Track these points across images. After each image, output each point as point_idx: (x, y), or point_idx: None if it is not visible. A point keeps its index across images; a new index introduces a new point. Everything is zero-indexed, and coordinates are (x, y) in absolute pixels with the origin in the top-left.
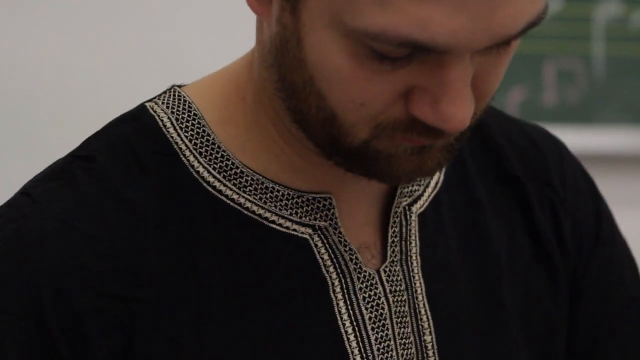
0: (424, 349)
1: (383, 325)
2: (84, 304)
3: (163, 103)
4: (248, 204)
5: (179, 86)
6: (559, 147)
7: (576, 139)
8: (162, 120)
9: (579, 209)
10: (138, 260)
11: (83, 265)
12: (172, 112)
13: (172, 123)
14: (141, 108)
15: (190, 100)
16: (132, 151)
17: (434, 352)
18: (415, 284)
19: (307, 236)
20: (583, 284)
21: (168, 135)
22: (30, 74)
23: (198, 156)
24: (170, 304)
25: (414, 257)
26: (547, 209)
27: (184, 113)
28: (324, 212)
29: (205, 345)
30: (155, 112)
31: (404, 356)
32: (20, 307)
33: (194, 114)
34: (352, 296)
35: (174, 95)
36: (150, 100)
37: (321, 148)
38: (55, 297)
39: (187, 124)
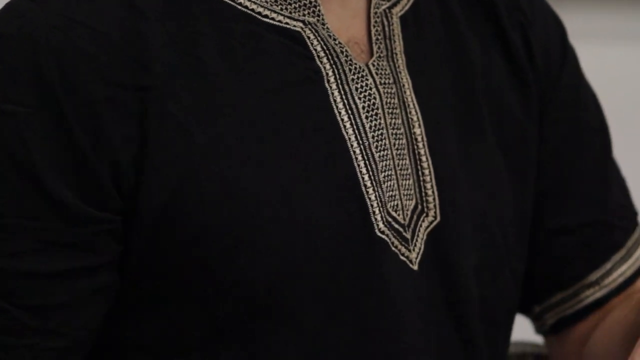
0: (414, 141)
1: (376, 114)
2: (95, 94)
3: None
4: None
5: None
6: None
7: None
8: None
9: (548, 39)
10: (143, 51)
11: (91, 56)
12: None
13: None
14: None
15: None
16: None
17: (423, 145)
18: (402, 79)
19: (299, 29)
20: (550, 107)
21: None
22: None
23: None
24: (177, 92)
25: (398, 55)
26: (518, 30)
27: None
28: (311, 9)
29: (211, 132)
30: None
31: (396, 146)
32: (36, 99)
33: None
34: (346, 86)
35: None
36: None
37: None
38: (67, 88)
39: None
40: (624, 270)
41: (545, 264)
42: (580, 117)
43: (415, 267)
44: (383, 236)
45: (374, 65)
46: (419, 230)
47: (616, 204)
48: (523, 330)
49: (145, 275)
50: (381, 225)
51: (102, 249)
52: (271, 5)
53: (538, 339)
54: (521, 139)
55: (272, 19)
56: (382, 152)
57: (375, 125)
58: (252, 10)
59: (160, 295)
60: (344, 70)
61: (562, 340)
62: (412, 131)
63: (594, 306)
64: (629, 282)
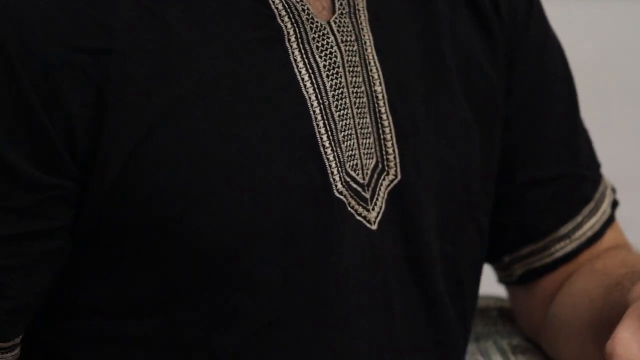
0: (374, 99)
1: (337, 72)
2: (52, 58)
3: None
4: None
5: None
6: None
7: None
8: None
9: None
10: (105, 13)
11: (49, 19)
12: None
13: None
14: None
15: None
16: None
17: (384, 102)
18: (364, 36)
19: None
20: (517, 59)
21: None
22: None
23: None
24: (139, 53)
25: (361, 11)
26: None
27: None
28: None
29: (172, 92)
30: None
31: (357, 104)
32: None
33: None
34: (307, 45)
35: None
36: None
37: None
38: (23, 51)
39: None
40: (593, 223)
41: (516, 217)
42: (548, 68)
43: (374, 227)
44: (341, 197)
45: (335, 23)
46: (380, 189)
47: (585, 155)
48: (486, 284)
49: (101, 238)
50: (339, 185)
51: (54, 215)
52: None
53: (501, 292)
54: (488, 92)
55: None
56: (341, 111)
57: (335, 84)
58: None
59: (116, 257)
60: (305, 29)
61: (528, 291)
62: (373, 89)
63: (563, 259)
64: (597, 235)
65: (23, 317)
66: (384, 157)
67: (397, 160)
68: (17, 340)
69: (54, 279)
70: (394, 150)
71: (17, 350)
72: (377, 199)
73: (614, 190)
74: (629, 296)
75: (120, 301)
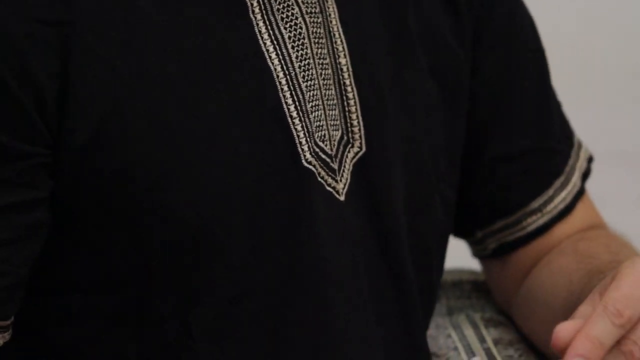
0: (339, 71)
1: (302, 44)
2: (17, 30)
3: None
4: None
5: None
6: None
7: None
8: None
9: None
10: None
11: None
12: None
13: None
14: None
15: None
16: None
17: (349, 75)
18: (328, 8)
19: None
20: (485, 33)
21: None
22: None
23: None
24: (101, 25)
25: None
26: None
27: None
28: None
29: (136, 66)
30: None
31: (323, 76)
32: None
33: None
34: (271, 17)
35: None
36: None
37: None
38: None
39: None
40: (564, 196)
41: (488, 192)
42: (517, 41)
43: (342, 198)
44: (310, 167)
45: None
46: (345, 161)
47: (556, 128)
48: (459, 257)
49: (74, 212)
50: (308, 155)
51: (37, 183)
52: None
53: (475, 266)
54: (454, 67)
55: None
56: (309, 82)
57: (301, 55)
58: None
59: (88, 232)
60: (269, 0)
61: (502, 264)
62: (338, 61)
63: (536, 233)
64: (569, 208)
65: (20, 292)
66: (349, 129)
67: (362, 132)
68: (13, 318)
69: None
70: (358, 123)
71: (10, 329)
72: (343, 171)
73: (590, 160)
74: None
75: (94, 276)
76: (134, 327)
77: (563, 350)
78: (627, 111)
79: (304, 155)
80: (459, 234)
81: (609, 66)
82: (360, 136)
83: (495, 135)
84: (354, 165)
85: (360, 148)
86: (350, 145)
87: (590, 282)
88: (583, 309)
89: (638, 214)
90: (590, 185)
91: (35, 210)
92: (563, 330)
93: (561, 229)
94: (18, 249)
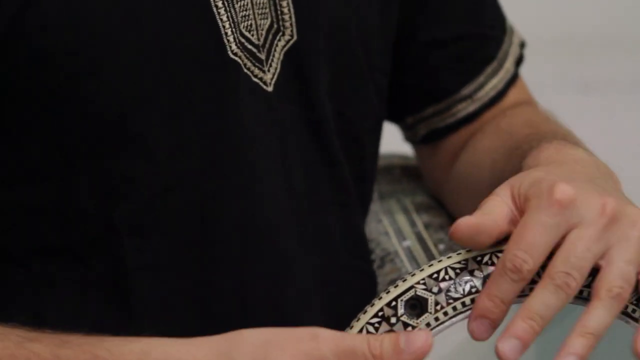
0: None
1: None
2: None
3: None
4: None
5: None
6: None
7: None
8: None
9: None
10: None
11: None
12: None
13: None
14: None
15: None
16: None
17: None
18: None
19: None
20: None
21: None
22: None
23: None
24: None
25: None
26: None
27: None
28: None
29: None
30: None
31: None
32: None
33: None
34: None
35: None
36: None
37: None
38: None
39: None
40: (496, 83)
41: (419, 78)
42: None
43: (270, 89)
44: (236, 58)
45: None
46: (275, 50)
47: (489, 14)
48: (390, 142)
49: None
50: (234, 46)
51: None
52: None
53: (406, 150)
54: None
55: None
56: None
57: None
58: None
59: (7, 121)
60: None
61: (433, 150)
62: None
63: (466, 120)
64: (501, 94)
65: None
66: (279, 17)
67: (293, 20)
68: None
69: None
70: (289, 10)
71: None
72: (272, 60)
73: (522, 45)
74: (524, 162)
75: (14, 167)
76: (56, 223)
77: (459, 241)
78: None
79: (230, 46)
80: (390, 118)
81: None
82: (291, 24)
83: (427, 21)
84: (285, 54)
85: (292, 36)
86: (280, 34)
87: (510, 159)
88: (490, 203)
89: (583, 101)
90: (530, 71)
91: None
92: (462, 224)
93: (491, 114)
94: None
